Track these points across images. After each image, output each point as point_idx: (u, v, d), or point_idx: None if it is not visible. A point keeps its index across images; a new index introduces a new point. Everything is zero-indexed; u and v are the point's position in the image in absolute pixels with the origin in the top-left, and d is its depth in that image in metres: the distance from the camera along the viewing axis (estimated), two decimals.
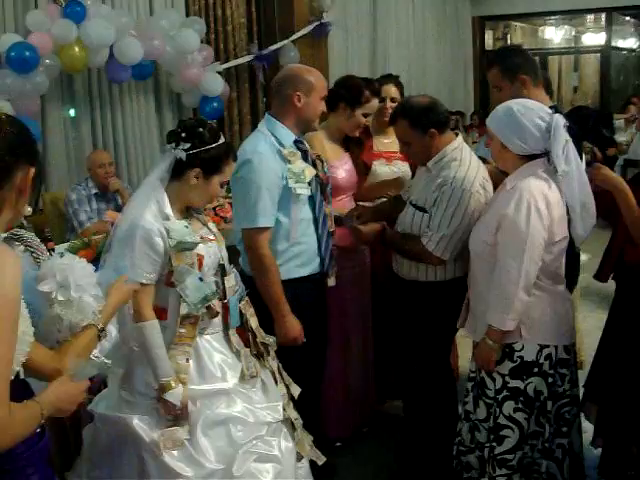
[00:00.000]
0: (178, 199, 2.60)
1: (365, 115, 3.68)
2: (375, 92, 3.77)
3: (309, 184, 3.10)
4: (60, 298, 1.94)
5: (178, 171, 2.57)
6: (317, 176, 3.20)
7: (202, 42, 6.46)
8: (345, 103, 3.62)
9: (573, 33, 14.60)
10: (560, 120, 2.76)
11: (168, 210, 2.54)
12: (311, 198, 3.14)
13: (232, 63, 6.98)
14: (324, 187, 3.28)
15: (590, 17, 13.47)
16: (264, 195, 2.97)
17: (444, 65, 10.66)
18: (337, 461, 3.65)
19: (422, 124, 3.11)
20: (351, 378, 3.85)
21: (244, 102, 7.26)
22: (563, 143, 2.77)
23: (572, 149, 2.83)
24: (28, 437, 1.71)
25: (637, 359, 2.95)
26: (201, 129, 2.57)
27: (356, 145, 3.84)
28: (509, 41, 13.17)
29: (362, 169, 3.89)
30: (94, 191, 5.06)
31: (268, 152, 3.03)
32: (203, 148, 2.55)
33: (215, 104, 6.53)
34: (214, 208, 4.37)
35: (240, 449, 2.55)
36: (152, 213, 2.51)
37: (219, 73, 6.62)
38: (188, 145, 2.53)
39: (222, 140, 2.61)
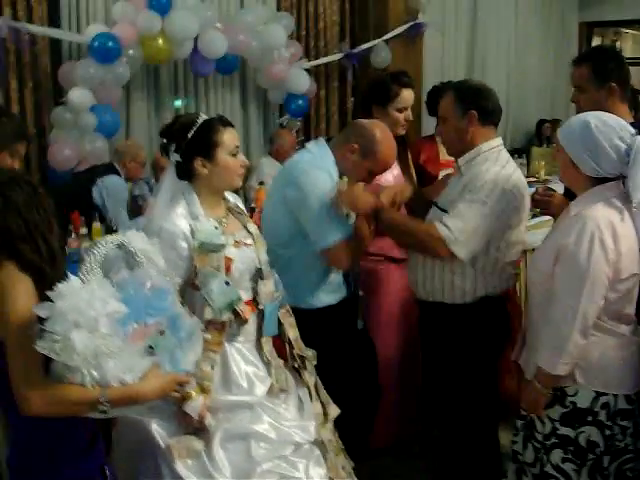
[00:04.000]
0: (205, 195, 2.54)
1: (400, 110, 3.45)
2: (404, 84, 3.50)
3: None
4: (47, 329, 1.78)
5: (186, 173, 2.53)
6: None
7: (291, 38, 6.40)
8: (375, 103, 3.44)
9: None
10: None
11: (198, 210, 2.49)
12: None
13: (320, 61, 6.88)
14: None
15: None
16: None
17: (547, 73, 10.18)
18: None
19: (465, 101, 2.88)
20: (397, 391, 3.64)
21: (332, 101, 7.16)
22: None
23: None
24: None
25: None
26: (173, 125, 2.57)
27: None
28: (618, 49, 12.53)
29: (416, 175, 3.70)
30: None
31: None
32: (185, 139, 2.50)
33: (300, 102, 6.47)
34: None
35: (259, 467, 2.41)
36: (179, 215, 2.47)
37: (307, 70, 6.53)
38: (174, 146, 2.52)
39: (201, 120, 2.52)
